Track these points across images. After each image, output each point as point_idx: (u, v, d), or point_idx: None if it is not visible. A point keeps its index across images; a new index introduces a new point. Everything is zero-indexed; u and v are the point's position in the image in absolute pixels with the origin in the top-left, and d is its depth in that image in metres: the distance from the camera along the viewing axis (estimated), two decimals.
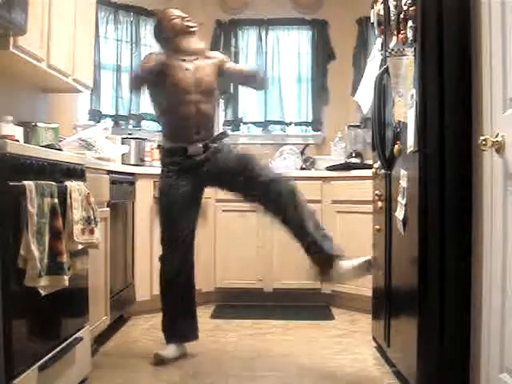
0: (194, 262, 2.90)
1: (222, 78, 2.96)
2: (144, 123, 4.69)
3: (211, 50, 4.75)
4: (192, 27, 2.86)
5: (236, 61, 4.87)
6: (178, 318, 2.83)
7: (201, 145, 2.78)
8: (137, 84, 2.94)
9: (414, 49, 2.19)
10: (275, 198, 2.69)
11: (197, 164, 2.78)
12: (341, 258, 2.70)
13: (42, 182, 1.92)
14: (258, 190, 2.72)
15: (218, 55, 3.00)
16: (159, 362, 2.68)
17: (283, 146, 4.61)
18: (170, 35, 2.85)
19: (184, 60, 2.81)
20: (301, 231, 2.68)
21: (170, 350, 2.75)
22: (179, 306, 2.83)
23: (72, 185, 2.17)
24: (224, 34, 4.84)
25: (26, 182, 1.81)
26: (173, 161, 2.80)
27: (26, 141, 2.91)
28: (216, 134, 2.91)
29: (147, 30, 4.70)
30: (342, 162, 4.31)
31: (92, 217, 2.29)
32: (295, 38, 4.92)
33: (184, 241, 2.81)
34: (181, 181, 2.76)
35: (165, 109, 2.84)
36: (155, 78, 2.76)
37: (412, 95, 2.20)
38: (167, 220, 2.80)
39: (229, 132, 3.13)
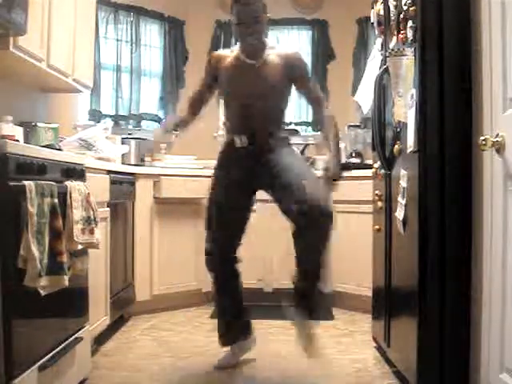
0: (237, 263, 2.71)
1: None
2: (144, 123, 4.70)
3: (211, 50, 4.83)
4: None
5: None
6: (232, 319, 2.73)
7: (246, 136, 2.55)
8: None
9: (414, 49, 2.19)
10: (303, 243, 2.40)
11: (242, 157, 2.56)
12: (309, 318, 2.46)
13: (42, 182, 1.92)
14: (291, 219, 2.40)
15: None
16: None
17: None
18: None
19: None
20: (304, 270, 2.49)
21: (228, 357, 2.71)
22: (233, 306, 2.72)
23: (72, 185, 2.17)
24: (224, 34, 4.85)
25: (26, 182, 1.81)
26: (223, 154, 2.67)
27: (26, 141, 2.91)
28: (273, 134, 2.60)
29: (147, 29, 4.72)
30: (342, 162, 4.31)
31: (92, 217, 2.29)
32: (295, 38, 4.93)
33: (227, 238, 2.64)
34: (228, 172, 2.60)
35: (224, 99, 2.69)
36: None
37: (412, 95, 2.20)
38: (211, 212, 2.63)
39: (295, 133, 2.73)
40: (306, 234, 2.34)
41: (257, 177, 2.58)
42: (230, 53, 2.67)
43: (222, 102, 2.76)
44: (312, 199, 2.29)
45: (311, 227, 2.31)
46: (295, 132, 2.73)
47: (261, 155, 2.55)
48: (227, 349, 2.73)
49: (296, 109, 4.92)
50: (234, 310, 2.73)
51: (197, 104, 2.77)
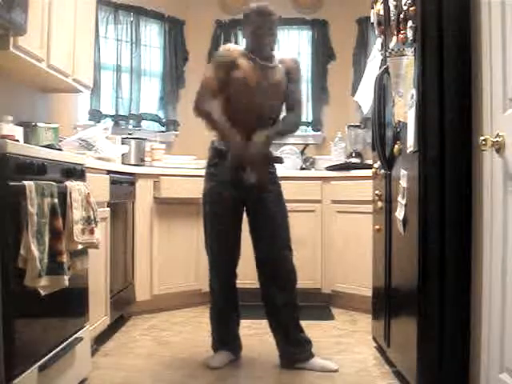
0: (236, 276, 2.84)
1: None
2: (144, 123, 4.69)
3: (211, 50, 4.83)
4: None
5: None
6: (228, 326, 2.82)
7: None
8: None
9: (414, 49, 2.19)
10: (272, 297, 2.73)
11: (238, 187, 2.62)
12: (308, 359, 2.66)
13: (42, 182, 1.92)
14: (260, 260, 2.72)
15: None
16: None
17: (283, 146, 4.61)
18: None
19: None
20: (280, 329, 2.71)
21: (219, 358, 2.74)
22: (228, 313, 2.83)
23: (72, 185, 2.17)
24: (224, 34, 4.84)
25: (26, 182, 1.81)
26: (219, 163, 2.65)
27: (26, 141, 2.91)
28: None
29: (147, 29, 4.72)
30: (342, 162, 4.32)
31: (92, 217, 2.29)
32: (295, 37, 4.93)
33: (231, 253, 2.74)
34: (224, 186, 2.64)
35: (225, 106, 2.63)
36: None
37: (412, 95, 2.20)
38: (213, 229, 2.70)
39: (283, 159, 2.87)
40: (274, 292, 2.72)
41: (247, 195, 2.67)
42: (242, 51, 2.67)
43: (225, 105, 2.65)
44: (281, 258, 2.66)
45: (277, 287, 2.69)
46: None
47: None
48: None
49: None
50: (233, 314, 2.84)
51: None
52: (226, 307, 2.80)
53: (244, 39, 2.74)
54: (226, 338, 2.80)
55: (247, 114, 2.60)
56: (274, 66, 2.67)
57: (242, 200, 2.69)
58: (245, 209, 2.74)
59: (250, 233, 2.73)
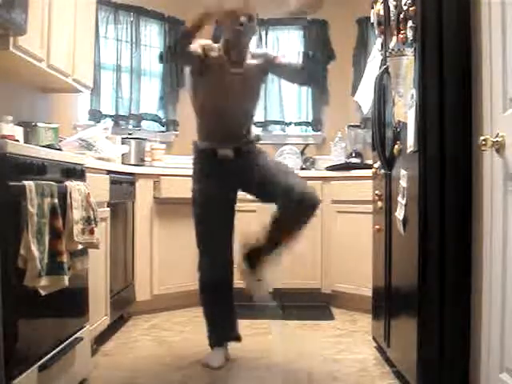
0: (232, 266, 2.84)
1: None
2: (144, 123, 4.69)
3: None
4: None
5: None
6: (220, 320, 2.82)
7: (231, 149, 2.68)
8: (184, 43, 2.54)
9: (414, 49, 2.19)
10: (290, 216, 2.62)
11: (227, 172, 2.68)
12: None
13: (42, 182, 1.92)
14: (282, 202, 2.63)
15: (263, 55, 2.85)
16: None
17: (283, 146, 4.62)
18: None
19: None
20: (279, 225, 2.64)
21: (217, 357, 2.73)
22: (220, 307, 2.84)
23: (72, 185, 2.17)
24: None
25: (26, 182, 1.81)
26: (202, 164, 2.73)
27: (26, 141, 2.91)
28: (250, 137, 2.79)
29: (147, 29, 4.72)
30: (342, 162, 4.32)
31: (92, 217, 2.29)
32: (295, 38, 4.92)
33: (222, 249, 2.79)
34: (212, 185, 2.68)
35: (202, 104, 2.72)
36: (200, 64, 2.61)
37: (412, 95, 2.20)
38: (203, 228, 2.75)
39: (261, 136, 2.96)
40: (296, 210, 2.56)
41: (240, 183, 2.74)
42: (216, 49, 2.69)
43: (197, 106, 2.74)
44: (300, 187, 2.59)
45: (301, 206, 2.56)
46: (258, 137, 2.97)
47: (243, 164, 2.69)
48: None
49: (296, 109, 4.92)
50: (228, 309, 2.84)
51: None
52: (217, 294, 2.85)
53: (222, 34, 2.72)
54: (222, 327, 2.79)
55: (228, 118, 2.68)
56: (245, 67, 2.69)
57: (233, 188, 2.76)
58: (241, 190, 2.80)
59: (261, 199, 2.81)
